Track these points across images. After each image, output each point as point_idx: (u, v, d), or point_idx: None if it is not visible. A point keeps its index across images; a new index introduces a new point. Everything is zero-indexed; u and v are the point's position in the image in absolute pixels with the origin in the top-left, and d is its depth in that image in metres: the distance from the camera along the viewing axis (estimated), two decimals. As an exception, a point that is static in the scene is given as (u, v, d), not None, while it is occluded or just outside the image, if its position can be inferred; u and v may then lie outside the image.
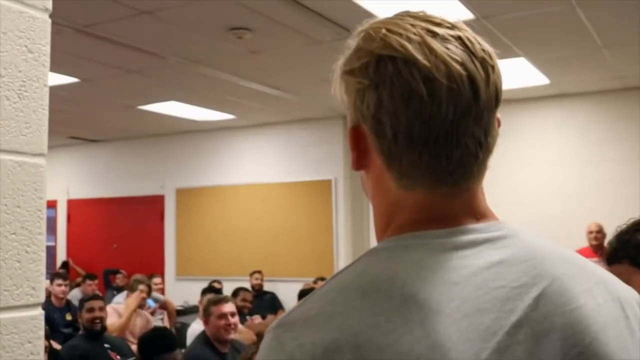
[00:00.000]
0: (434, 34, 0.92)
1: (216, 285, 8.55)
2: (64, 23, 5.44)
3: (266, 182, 9.94)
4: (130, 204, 11.14)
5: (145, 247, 10.94)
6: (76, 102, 8.37)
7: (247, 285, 8.93)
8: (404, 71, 0.89)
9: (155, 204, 10.86)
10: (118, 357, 5.25)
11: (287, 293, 8.97)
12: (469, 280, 0.86)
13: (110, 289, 9.92)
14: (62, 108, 8.63)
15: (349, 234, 9.46)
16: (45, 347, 3.85)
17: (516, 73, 7.13)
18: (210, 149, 10.45)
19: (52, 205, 12.05)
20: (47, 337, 4.22)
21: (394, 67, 0.90)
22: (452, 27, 0.94)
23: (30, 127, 1.08)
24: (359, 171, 1.00)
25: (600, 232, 7.43)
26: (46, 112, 1.11)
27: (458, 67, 0.90)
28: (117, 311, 6.87)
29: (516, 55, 6.45)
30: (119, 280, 10.07)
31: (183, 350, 4.71)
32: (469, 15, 5.30)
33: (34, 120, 1.09)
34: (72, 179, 11.82)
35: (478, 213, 0.95)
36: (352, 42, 0.99)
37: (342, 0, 4.96)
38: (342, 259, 9.35)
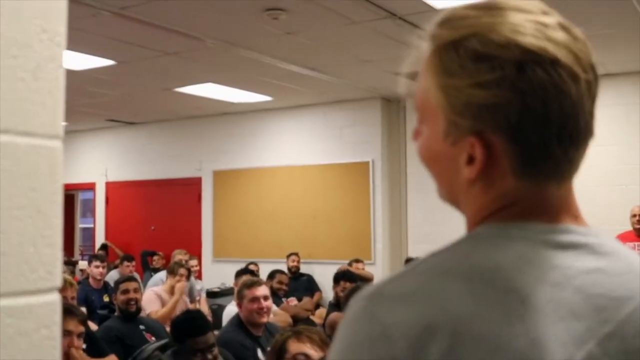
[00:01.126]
0: (546, 25, 0.87)
1: (253, 267, 8.56)
2: (100, 5, 5.43)
3: (303, 164, 9.90)
4: (167, 186, 11.18)
5: (183, 229, 10.98)
6: (113, 85, 8.40)
7: (284, 267, 8.93)
8: (552, 74, 0.85)
9: (192, 186, 10.88)
10: (153, 338, 5.26)
11: (323, 275, 8.93)
12: (569, 282, 0.84)
13: (147, 270, 9.99)
14: (100, 91, 8.68)
15: (386, 216, 9.39)
16: (81, 333, 3.86)
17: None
18: (247, 131, 10.43)
19: (90, 187, 12.18)
20: (85, 318, 4.22)
21: (542, 72, 0.84)
22: (544, 12, 0.90)
23: (46, 109, 1.05)
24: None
25: (644, 216, 7.28)
26: (62, 94, 1.07)
27: (583, 56, 0.88)
28: (159, 296, 6.89)
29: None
30: (156, 261, 10.14)
31: (217, 332, 4.69)
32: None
33: (49, 102, 1.05)
34: (110, 161, 11.91)
35: (575, 211, 0.93)
36: (432, 43, 0.92)
37: (379, -22, 4.88)
38: (379, 242, 9.29)
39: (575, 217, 0.92)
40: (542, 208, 0.90)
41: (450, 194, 1.00)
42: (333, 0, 5.37)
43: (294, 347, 2.95)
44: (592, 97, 0.88)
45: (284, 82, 8.35)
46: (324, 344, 2.99)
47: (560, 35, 0.86)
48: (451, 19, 0.92)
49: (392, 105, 9.58)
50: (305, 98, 9.45)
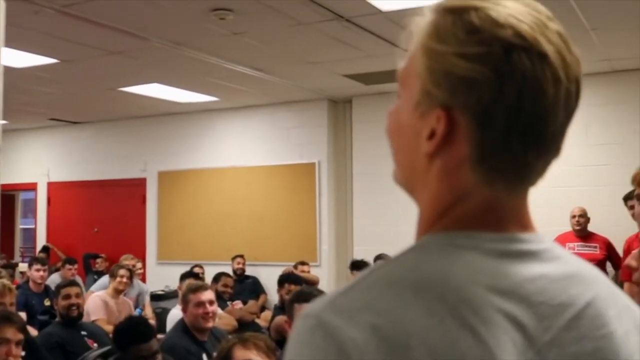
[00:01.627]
0: (546, 26, 0.86)
1: (198, 270, 8.49)
2: (43, 3, 5.32)
3: (249, 165, 9.86)
4: (111, 187, 11.02)
5: (127, 231, 10.84)
6: (56, 84, 8.25)
7: (229, 269, 8.87)
8: (537, 67, 0.84)
9: (136, 187, 10.75)
10: (95, 344, 5.17)
11: (269, 277, 8.89)
12: (515, 291, 0.84)
13: (90, 273, 9.83)
14: (42, 89, 8.52)
15: (332, 218, 9.41)
16: (19, 340, 3.76)
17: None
18: (193, 131, 10.35)
19: (32, 187, 11.93)
20: (24, 325, 4.12)
21: (528, 60, 0.83)
22: (549, 17, 0.88)
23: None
24: (426, 156, 0.91)
25: (583, 217, 7.44)
26: (0, 92, 1.04)
27: (575, 68, 0.87)
28: (104, 302, 6.79)
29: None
30: (99, 264, 9.99)
31: (161, 336, 4.64)
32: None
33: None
34: (52, 161, 11.69)
35: (525, 220, 0.93)
36: (438, 16, 0.90)
37: (327, -20, 4.88)
38: (325, 243, 9.31)
39: (525, 225, 0.92)
40: (491, 215, 0.89)
41: (407, 175, 0.97)
42: (280, 2, 5.35)
43: (240, 354, 2.93)
44: (568, 110, 0.88)
45: (230, 83, 8.30)
46: (270, 350, 2.97)
47: (556, 38, 0.86)
48: None
49: (338, 107, 9.61)
50: (252, 99, 9.41)
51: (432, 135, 0.88)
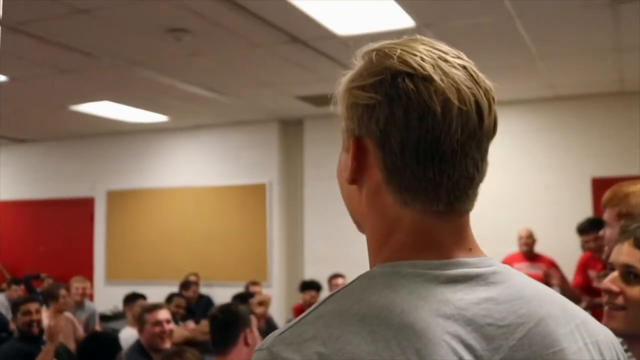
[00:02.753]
0: (445, 60, 0.95)
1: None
2: (-5, 20, 5.26)
3: (200, 186, 9.83)
4: (58, 206, 10.85)
5: (74, 250, 10.68)
6: (3, 101, 8.11)
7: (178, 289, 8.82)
8: (420, 88, 0.92)
9: (85, 206, 10.61)
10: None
11: (222, 297, 8.85)
12: (460, 314, 0.88)
13: (34, 294, 9.62)
14: (-11, 107, 8.37)
15: (283, 238, 9.42)
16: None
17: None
18: (143, 151, 10.28)
19: (-24, 206, 11.66)
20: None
21: (412, 83, 0.93)
22: (458, 56, 0.98)
23: None
24: (351, 184, 1.01)
25: (530, 238, 7.58)
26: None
27: (468, 91, 0.94)
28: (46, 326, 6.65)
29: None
30: (47, 284, 9.78)
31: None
32: (410, 22, 5.34)
33: None
34: (-2, 179, 11.47)
35: (469, 244, 0.98)
36: (359, 62, 1.01)
37: (282, 3, 4.92)
38: (276, 264, 9.31)
39: (469, 249, 0.98)
40: (430, 242, 0.95)
41: (349, 207, 1.06)
42: (237, 23, 5.38)
43: None
44: (468, 131, 0.93)
45: (182, 102, 8.28)
46: None
47: (453, 69, 0.94)
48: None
49: (289, 128, 9.65)
50: (203, 119, 9.40)
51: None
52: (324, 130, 9.10)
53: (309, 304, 7.60)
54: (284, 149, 9.60)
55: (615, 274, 1.83)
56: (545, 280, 6.44)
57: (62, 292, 6.99)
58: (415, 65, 0.93)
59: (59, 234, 10.87)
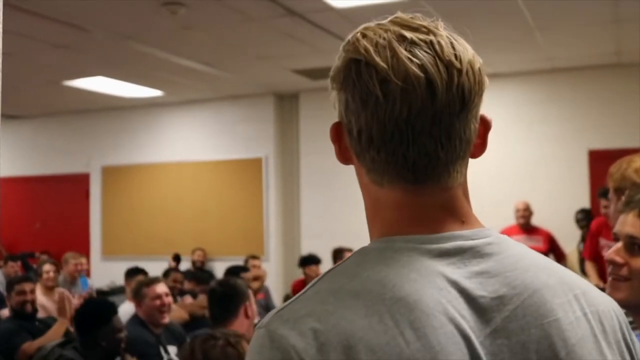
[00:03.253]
0: (403, 39, 0.95)
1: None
2: (-13, -6, 5.19)
3: (196, 160, 9.80)
4: (54, 182, 10.82)
5: (70, 226, 10.67)
6: (-3, 77, 8.05)
7: (185, 263, 8.86)
8: (363, 74, 0.94)
9: (80, 182, 10.58)
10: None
11: (219, 272, 8.86)
12: (453, 286, 0.89)
13: (31, 271, 9.62)
14: (-18, 82, 8.30)
15: (280, 212, 9.42)
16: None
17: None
18: (138, 126, 10.23)
19: (-30, 183, 11.62)
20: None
21: (356, 70, 0.95)
22: (428, 32, 0.97)
23: None
24: (346, 164, 1.05)
25: (527, 210, 7.60)
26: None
27: (416, 69, 0.92)
28: (39, 305, 6.61)
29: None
30: (42, 260, 9.76)
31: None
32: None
33: None
34: (-8, 156, 11.41)
35: (462, 216, 0.98)
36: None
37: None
38: (273, 238, 9.32)
39: (462, 222, 0.98)
40: (420, 217, 0.96)
41: (364, 203, 1.07)
42: (232, -3, 5.34)
43: None
44: (416, 110, 0.92)
45: (177, 77, 8.23)
46: None
47: (407, 48, 0.94)
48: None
49: (285, 102, 9.61)
50: (198, 93, 9.35)
51: None
52: (320, 104, 9.04)
53: (313, 278, 7.61)
54: (279, 123, 9.56)
55: (619, 244, 1.81)
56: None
57: (46, 267, 6.93)
58: (362, 51, 0.95)
59: (54, 210, 10.86)
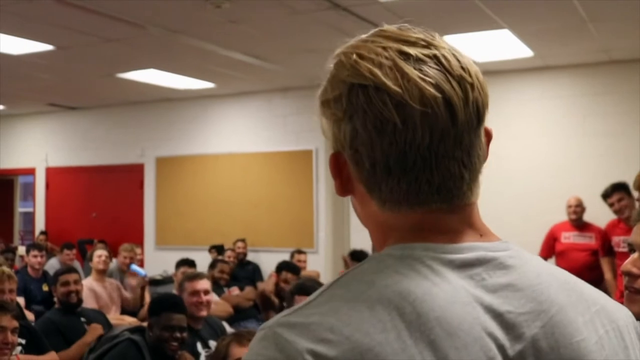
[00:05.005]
0: (407, 56, 0.89)
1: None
2: (38, -10, 5.31)
3: (246, 152, 9.85)
4: (109, 172, 11.03)
5: (125, 216, 10.86)
6: (53, 70, 8.24)
7: (229, 254, 8.92)
8: (375, 99, 0.87)
9: (134, 172, 10.75)
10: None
11: (267, 263, 8.93)
12: (478, 301, 0.84)
13: (87, 259, 9.84)
14: (39, 75, 8.51)
15: (329, 204, 9.41)
16: (15, 328, 3.80)
17: (500, 45, 7.06)
18: (191, 117, 10.34)
19: (30, 172, 11.93)
20: (19, 313, 4.15)
21: (364, 96, 0.88)
22: (428, 45, 0.91)
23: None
24: (344, 196, 0.98)
25: (579, 207, 7.42)
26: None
27: (432, 89, 0.87)
28: (92, 291, 6.76)
29: (500, 27, 6.37)
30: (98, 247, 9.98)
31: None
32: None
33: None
34: (50, 146, 11.68)
35: (480, 230, 0.94)
36: (329, 67, 0.97)
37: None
38: (322, 230, 9.32)
39: (480, 235, 0.93)
40: (439, 229, 0.90)
41: (359, 217, 1.02)
42: (276, -10, 5.34)
43: (236, 351, 2.98)
44: (438, 133, 0.87)
45: (226, 70, 8.29)
46: None
47: (415, 66, 0.88)
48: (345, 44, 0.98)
49: (336, 94, 9.56)
50: (249, 85, 9.40)
51: None
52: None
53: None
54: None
55: (635, 255, 1.75)
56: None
57: (98, 252, 7.10)
58: (367, 75, 0.88)
59: (109, 200, 11.06)
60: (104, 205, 11.10)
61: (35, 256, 7.78)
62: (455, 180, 0.90)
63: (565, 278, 0.95)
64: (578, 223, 7.39)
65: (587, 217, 7.44)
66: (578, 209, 7.40)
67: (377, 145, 0.88)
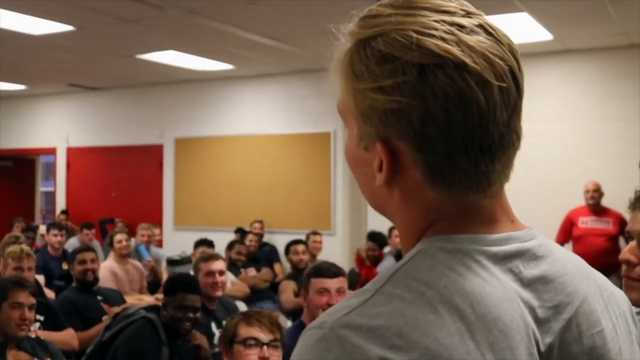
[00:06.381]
0: (461, 26, 0.84)
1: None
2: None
3: (265, 134, 9.88)
4: (129, 152, 11.10)
5: (144, 196, 10.94)
6: (73, 50, 8.29)
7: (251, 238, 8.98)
8: (456, 79, 0.81)
9: (153, 153, 10.81)
10: (112, 309, 5.27)
11: (284, 245, 8.95)
12: (519, 296, 0.84)
13: (107, 241, 9.94)
14: (59, 56, 8.56)
15: (347, 186, 9.42)
16: (32, 305, 3.85)
17: (519, 28, 7.00)
18: (210, 98, 10.37)
19: (51, 152, 12.04)
20: (36, 290, 4.20)
21: (444, 76, 0.81)
22: (468, 14, 0.86)
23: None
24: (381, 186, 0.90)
25: (597, 191, 7.39)
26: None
27: (500, 62, 0.84)
28: (113, 273, 6.81)
29: (519, 10, 6.32)
30: (118, 229, 10.07)
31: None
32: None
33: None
34: (71, 126, 11.77)
35: (511, 216, 0.92)
36: (351, 40, 0.91)
37: (340, -48, 4.84)
38: (340, 212, 9.33)
39: (512, 221, 0.91)
40: (482, 218, 0.88)
41: (373, 201, 0.96)
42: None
43: (244, 331, 3.00)
44: (510, 107, 0.85)
45: (246, 51, 8.30)
46: (274, 326, 3.04)
47: (476, 38, 0.83)
48: (366, 16, 0.90)
49: (355, 76, 9.54)
50: (268, 67, 9.40)
51: (381, 166, 0.88)
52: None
53: (364, 257, 7.62)
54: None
55: (633, 243, 1.75)
56: None
57: (118, 237, 7.12)
58: (441, 52, 0.81)
59: (129, 180, 11.13)
60: (124, 185, 11.19)
61: (55, 235, 7.86)
62: (514, 153, 0.89)
63: (582, 266, 0.95)
64: (596, 208, 7.36)
65: (605, 202, 7.40)
66: (596, 194, 7.37)
67: (459, 130, 0.82)
